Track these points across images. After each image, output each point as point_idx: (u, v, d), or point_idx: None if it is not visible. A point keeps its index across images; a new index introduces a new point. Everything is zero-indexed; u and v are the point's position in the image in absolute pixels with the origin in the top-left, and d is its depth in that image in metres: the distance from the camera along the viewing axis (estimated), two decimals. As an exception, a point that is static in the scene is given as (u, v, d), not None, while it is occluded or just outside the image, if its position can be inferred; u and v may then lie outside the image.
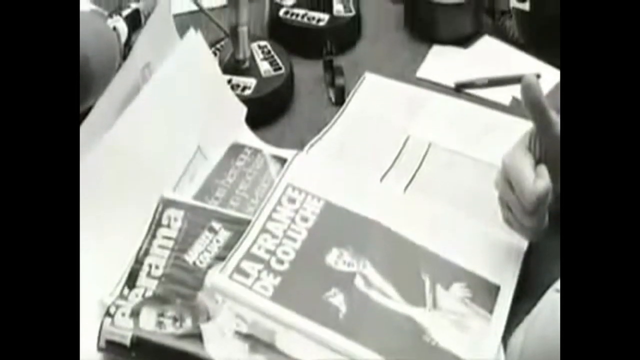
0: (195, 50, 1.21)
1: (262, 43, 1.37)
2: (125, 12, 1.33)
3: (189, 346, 0.96)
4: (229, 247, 1.06)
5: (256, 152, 1.22)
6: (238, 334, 0.98)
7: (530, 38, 1.41)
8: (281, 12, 1.45)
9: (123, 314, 0.97)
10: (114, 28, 1.29)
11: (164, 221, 1.08)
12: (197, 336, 0.97)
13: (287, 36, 1.42)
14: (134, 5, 1.35)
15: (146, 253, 1.06)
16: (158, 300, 1.00)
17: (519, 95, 1.03)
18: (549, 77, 1.30)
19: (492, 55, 1.43)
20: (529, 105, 1.01)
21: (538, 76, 1.21)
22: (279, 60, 1.34)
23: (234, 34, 1.30)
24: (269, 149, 1.23)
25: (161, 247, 1.06)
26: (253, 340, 0.97)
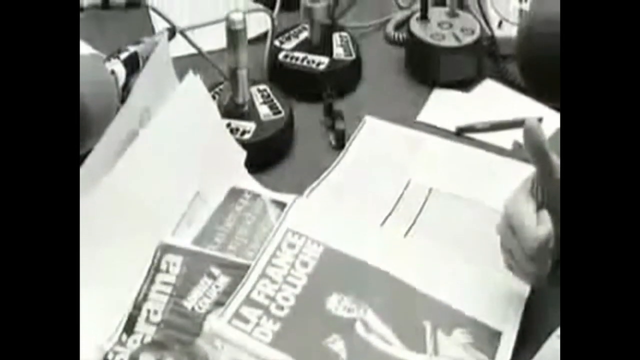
0: (194, 94, 1.24)
1: (262, 86, 1.40)
2: (124, 56, 1.35)
3: (187, 393, 0.98)
4: (228, 292, 1.08)
5: (255, 196, 1.25)
6: (237, 380, 1.00)
7: (532, 81, 1.44)
8: (281, 56, 1.48)
9: (121, 361, 0.99)
10: (112, 71, 1.31)
11: (163, 266, 1.11)
12: (196, 382, 0.99)
13: (286, 80, 1.46)
14: (132, 49, 1.36)
15: (145, 298, 1.08)
16: (157, 346, 1.02)
17: (520, 140, 1.05)
18: (551, 121, 1.33)
19: (493, 99, 1.46)
20: (531, 149, 1.03)
21: (540, 120, 1.24)
22: (278, 104, 1.37)
23: (233, 77, 1.33)
24: (268, 194, 1.26)
25: (160, 292, 1.09)
26: (253, 387, 0.99)
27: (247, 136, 1.32)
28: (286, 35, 1.53)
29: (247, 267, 1.11)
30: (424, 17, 1.51)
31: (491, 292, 1.12)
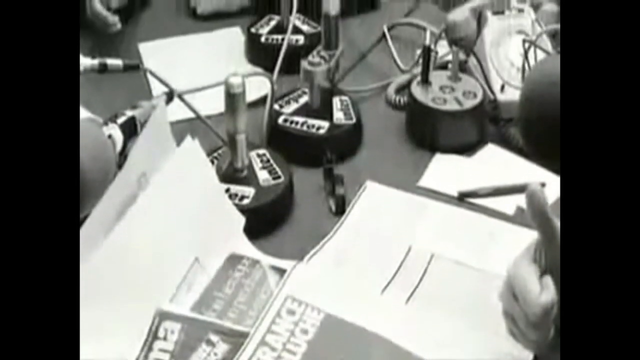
0: (193, 159, 1.27)
1: (261, 151, 1.44)
2: (121, 120, 1.37)
3: None
4: (227, 360, 1.10)
5: (255, 262, 1.28)
6: None
7: (534, 146, 1.47)
8: (280, 120, 1.52)
9: None
10: (110, 136, 1.33)
11: (161, 334, 1.13)
12: None
13: (286, 144, 1.49)
14: (129, 113, 1.38)
15: (142, 366, 1.10)
16: (154, 414, 1.04)
17: (523, 205, 1.07)
18: (554, 186, 1.35)
19: (495, 164, 1.50)
20: (534, 215, 1.05)
21: (543, 185, 1.26)
22: (278, 169, 1.41)
23: (232, 142, 1.36)
24: (267, 260, 1.28)
25: (157, 360, 1.11)
26: None
27: (246, 201, 1.35)
28: (286, 99, 1.57)
29: (247, 334, 1.13)
30: (426, 80, 1.55)
31: (494, 359, 1.14)
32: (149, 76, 1.55)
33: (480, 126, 1.54)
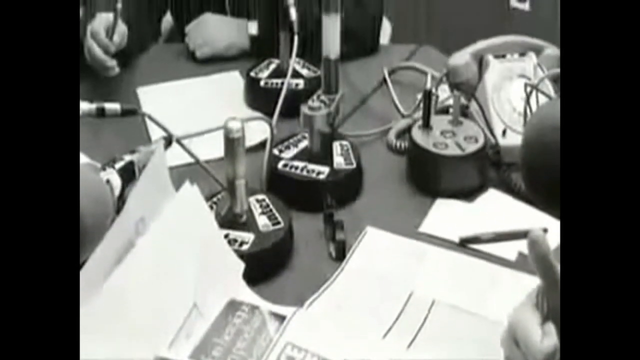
0: (192, 204, 1.29)
1: (260, 196, 1.46)
2: (119, 165, 1.38)
3: None
4: (225, 408, 1.11)
5: (254, 309, 1.29)
6: None
7: (536, 191, 1.49)
8: (280, 165, 1.54)
9: None
10: (108, 181, 1.34)
11: (159, 381, 1.14)
12: None
13: (286, 189, 1.51)
14: (128, 158, 1.40)
15: (139, 414, 1.11)
16: None
17: (525, 251, 1.08)
18: (556, 232, 1.36)
19: (497, 209, 1.52)
20: (536, 261, 1.06)
21: (545, 231, 1.27)
22: (277, 215, 1.43)
23: (231, 187, 1.38)
24: (267, 306, 1.30)
25: (155, 408, 1.12)
26: None
27: (245, 247, 1.36)
28: (285, 143, 1.60)
29: (246, 381, 1.14)
30: (427, 125, 1.58)
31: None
32: (148, 120, 1.57)
33: (481, 171, 1.56)
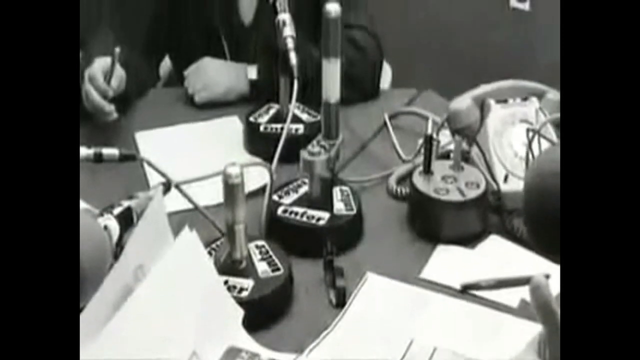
0: (190, 250, 1.30)
1: (260, 243, 1.47)
2: (117, 211, 1.39)
3: None
4: None
5: (254, 356, 1.30)
6: None
7: (538, 237, 1.50)
8: (279, 211, 1.56)
9: None
10: (105, 227, 1.35)
11: None
12: None
13: (285, 235, 1.53)
14: (126, 204, 1.41)
15: None
16: None
17: (527, 297, 1.10)
18: (559, 279, 1.38)
19: (499, 255, 1.53)
20: (538, 308, 1.07)
21: (547, 277, 1.28)
22: (277, 261, 1.44)
23: (230, 233, 1.39)
24: (267, 353, 1.31)
25: None
26: None
27: (244, 294, 1.38)
28: (285, 189, 1.61)
29: None
30: (428, 170, 1.59)
31: None
32: (146, 166, 1.59)
33: (483, 217, 1.58)
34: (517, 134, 1.64)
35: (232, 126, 1.94)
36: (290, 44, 1.63)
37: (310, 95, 1.67)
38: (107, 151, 1.47)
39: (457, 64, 3.22)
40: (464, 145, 1.64)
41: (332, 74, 1.53)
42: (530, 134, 1.55)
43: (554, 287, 1.11)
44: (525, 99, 1.70)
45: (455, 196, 1.55)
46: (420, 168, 1.60)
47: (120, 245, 1.36)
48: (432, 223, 1.57)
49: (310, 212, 1.56)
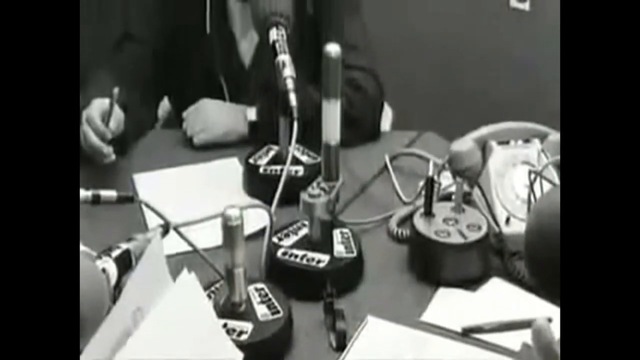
0: (189, 293, 1.31)
1: (259, 285, 1.49)
2: (115, 253, 1.40)
3: None
4: None
5: (253, 399, 1.31)
6: None
7: (540, 280, 1.51)
8: (279, 253, 1.57)
9: None
10: (103, 270, 1.36)
11: None
12: None
13: (285, 278, 1.54)
14: (124, 246, 1.42)
15: None
16: None
17: (529, 341, 1.10)
18: (561, 322, 1.40)
19: (501, 298, 1.54)
20: (540, 351, 1.08)
21: (550, 320, 1.29)
22: (277, 304, 1.45)
23: (229, 275, 1.40)
24: (266, 397, 1.32)
25: None
26: None
27: (244, 337, 1.38)
28: (285, 231, 1.63)
29: None
30: (429, 212, 1.61)
31: None
32: (144, 208, 1.60)
33: (484, 259, 1.59)
34: (519, 175, 1.65)
35: (231, 168, 1.95)
36: (290, 84, 1.64)
37: (310, 136, 1.68)
38: (105, 193, 1.49)
39: (459, 101, 3.25)
40: (466, 187, 1.65)
41: (332, 115, 1.54)
42: (532, 175, 1.57)
43: (557, 330, 1.13)
44: (527, 140, 1.71)
45: (456, 238, 1.56)
46: (421, 210, 1.62)
47: (118, 288, 1.37)
48: (433, 265, 1.58)
49: (310, 254, 1.57)
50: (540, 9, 3.05)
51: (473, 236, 1.56)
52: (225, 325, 1.39)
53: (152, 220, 1.58)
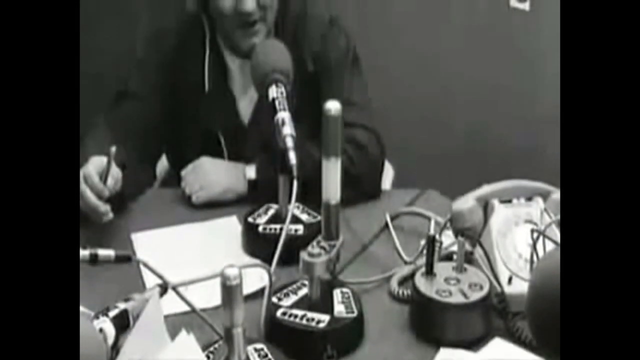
0: (187, 354, 1.32)
1: (259, 345, 1.49)
2: (113, 313, 1.42)
3: None
4: None
5: None
6: None
7: (543, 341, 1.52)
8: (279, 313, 1.58)
9: None
10: (101, 330, 1.38)
11: None
12: None
13: (285, 338, 1.54)
14: (122, 306, 1.44)
15: None
16: None
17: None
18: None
19: (503, 359, 1.53)
20: None
21: None
22: (276, 364, 1.45)
23: (228, 336, 1.40)
24: None
25: None
26: None
27: (243, 398, 1.39)
28: (284, 291, 1.64)
29: None
30: (430, 272, 1.62)
31: None
32: (142, 267, 1.61)
33: (487, 320, 1.60)
34: (522, 234, 1.67)
35: (230, 227, 1.97)
36: (289, 143, 1.66)
37: (310, 195, 1.69)
38: (102, 252, 1.50)
39: (460, 159, 3.27)
40: (467, 247, 1.67)
41: (332, 173, 1.56)
42: (535, 234, 1.59)
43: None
44: (529, 199, 1.73)
45: (458, 298, 1.57)
46: (423, 269, 1.63)
47: (116, 349, 1.39)
48: (435, 326, 1.59)
49: (310, 314, 1.58)
50: (540, 9, 3.06)
51: (475, 296, 1.57)
52: (224, 386, 1.40)
53: (150, 280, 1.59)
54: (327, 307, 1.59)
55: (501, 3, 3.14)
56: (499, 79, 3.16)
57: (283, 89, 1.74)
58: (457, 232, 1.70)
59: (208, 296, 1.50)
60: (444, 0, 3.24)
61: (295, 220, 1.85)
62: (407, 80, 3.35)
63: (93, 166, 1.83)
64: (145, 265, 1.54)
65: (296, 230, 1.84)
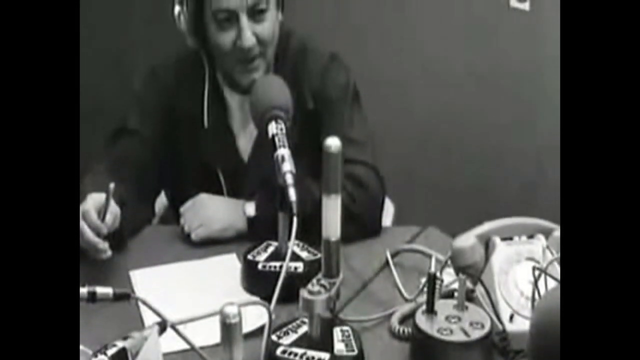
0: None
1: (258, 383, 1.50)
2: (111, 351, 1.43)
3: None
4: None
5: None
6: None
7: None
8: (278, 351, 1.59)
9: None
10: None
11: None
12: None
13: (285, 377, 1.55)
14: (120, 344, 1.44)
15: None
16: None
17: None
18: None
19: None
20: None
21: None
22: (276, 403, 1.47)
23: (228, 374, 1.41)
24: None
25: None
26: None
27: None
28: (284, 329, 1.65)
29: None
30: (431, 310, 1.63)
31: None
32: (141, 305, 1.62)
33: (488, 358, 1.60)
34: (523, 272, 1.67)
35: (229, 264, 1.98)
36: (289, 179, 1.66)
37: (310, 232, 1.70)
38: (101, 290, 1.51)
39: (461, 197, 3.28)
40: (469, 284, 1.68)
41: (332, 210, 1.57)
42: (537, 272, 1.60)
43: None
44: (531, 236, 1.74)
45: (459, 336, 1.58)
46: (423, 307, 1.64)
47: (114, 388, 1.40)
48: (436, 364, 1.59)
49: (310, 352, 1.58)
50: (540, 9, 3.07)
51: (476, 334, 1.58)
52: None
53: (149, 318, 1.60)
54: (327, 345, 1.60)
55: (501, 3, 3.17)
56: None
57: (283, 125, 1.75)
58: (458, 270, 1.70)
59: (207, 334, 1.51)
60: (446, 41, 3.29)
61: (295, 257, 1.86)
62: (407, 117, 3.37)
63: (91, 203, 1.84)
64: (144, 302, 1.54)
65: (296, 268, 1.84)
